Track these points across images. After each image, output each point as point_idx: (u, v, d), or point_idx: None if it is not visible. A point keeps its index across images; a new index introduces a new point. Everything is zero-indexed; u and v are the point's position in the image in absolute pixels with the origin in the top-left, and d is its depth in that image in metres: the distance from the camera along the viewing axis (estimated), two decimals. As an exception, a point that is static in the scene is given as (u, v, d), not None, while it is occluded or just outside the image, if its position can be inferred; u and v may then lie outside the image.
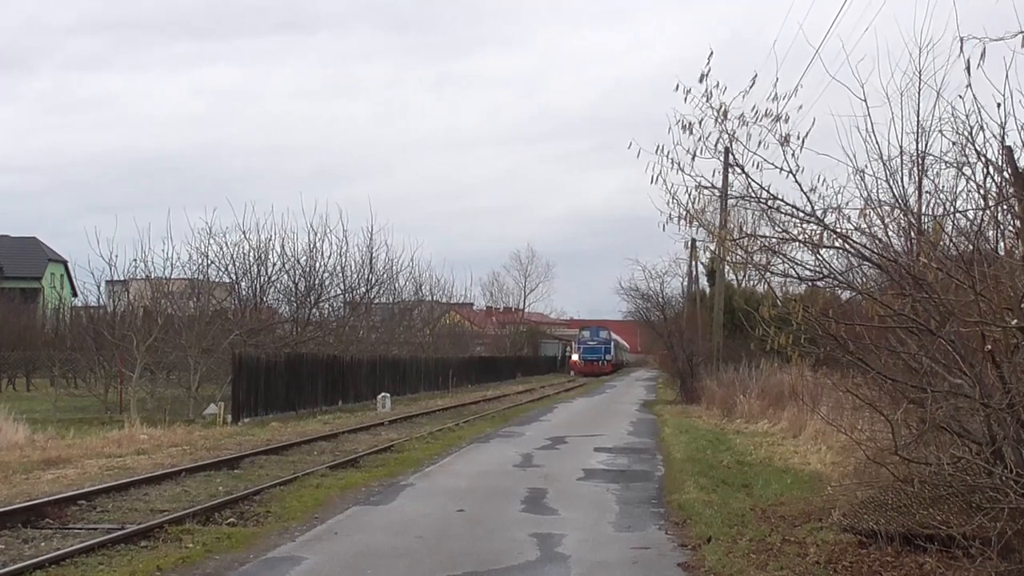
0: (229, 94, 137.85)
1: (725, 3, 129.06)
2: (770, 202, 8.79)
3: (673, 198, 8.70)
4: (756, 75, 8.34)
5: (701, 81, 8.14)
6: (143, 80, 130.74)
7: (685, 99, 8.28)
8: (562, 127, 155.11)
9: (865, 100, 8.35)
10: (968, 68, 6.44)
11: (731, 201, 11.49)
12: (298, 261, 38.19)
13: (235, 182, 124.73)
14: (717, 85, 8.22)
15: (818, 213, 8.55)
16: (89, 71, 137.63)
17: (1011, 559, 7.22)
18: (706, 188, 8.84)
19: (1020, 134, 7.58)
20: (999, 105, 7.24)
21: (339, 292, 41.30)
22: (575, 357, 79.68)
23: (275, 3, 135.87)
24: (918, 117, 9.05)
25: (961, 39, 6.38)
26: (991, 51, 6.48)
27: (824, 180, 8.59)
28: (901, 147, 9.04)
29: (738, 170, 8.74)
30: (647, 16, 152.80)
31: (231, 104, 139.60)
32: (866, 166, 9.08)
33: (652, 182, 8.45)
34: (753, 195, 8.85)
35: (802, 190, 8.47)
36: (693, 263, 46.10)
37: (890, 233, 9.04)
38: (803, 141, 8.27)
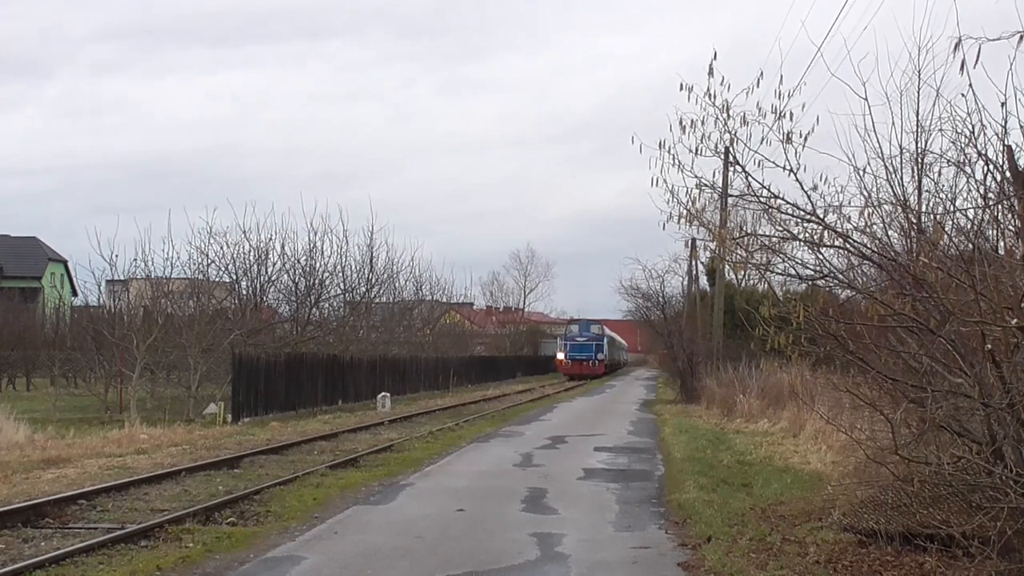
0: (241, 99, 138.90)
1: (731, 12, 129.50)
2: (771, 201, 8.80)
3: (673, 197, 8.73)
4: (761, 72, 8.36)
5: (709, 75, 8.15)
6: (158, 86, 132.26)
7: (688, 97, 8.30)
8: (567, 131, 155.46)
9: (867, 99, 8.36)
10: (963, 67, 6.43)
11: (731, 200, 11.49)
12: (298, 261, 38.21)
13: (241, 184, 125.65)
14: (722, 82, 8.24)
15: (819, 212, 8.56)
16: (105, 77, 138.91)
17: (1011, 559, 7.23)
18: (706, 187, 8.85)
19: (1021, 133, 7.60)
20: (1002, 104, 7.25)
21: (339, 292, 41.32)
22: (560, 356, 67.42)
23: (287, 12, 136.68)
24: (918, 116, 9.07)
25: (959, 39, 6.37)
26: (992, 50, 6.48)
27: (825, 179, 8.61)
28: (901, 146, 9.05)
29: (738, 169, 8.75)
30: (655, 24, 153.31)
31: (243, 109, 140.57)
32: (866, 166, 9.10)
33: (653, 184, 8.48)
34: (753, 194, 8.86)
35: (803, 189, 8.49)
36: (693, 262, 46.09)
37: (890, 232, 9.06)
38: (805, 139, 8.28)
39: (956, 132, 8.16)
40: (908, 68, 8.76)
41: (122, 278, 33.75)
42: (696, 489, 13.33)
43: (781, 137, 8.33)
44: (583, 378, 62.45)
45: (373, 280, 43.83)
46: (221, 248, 35.92)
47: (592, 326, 67.23)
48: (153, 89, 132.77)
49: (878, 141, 8.93)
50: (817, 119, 8.36)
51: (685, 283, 50.71)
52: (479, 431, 23.86)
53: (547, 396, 43.41)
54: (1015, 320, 6.83)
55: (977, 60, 6.30)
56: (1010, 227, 8.13)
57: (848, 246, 8.69)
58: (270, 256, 37.12)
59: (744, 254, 9.37)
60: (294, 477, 14.67)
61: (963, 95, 7.51)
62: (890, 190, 9.18)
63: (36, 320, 47.57)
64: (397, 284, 47.86)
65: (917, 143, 9.19)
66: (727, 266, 29.24)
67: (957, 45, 6.35)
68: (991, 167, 7.94)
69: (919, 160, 9.23)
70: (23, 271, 62.27)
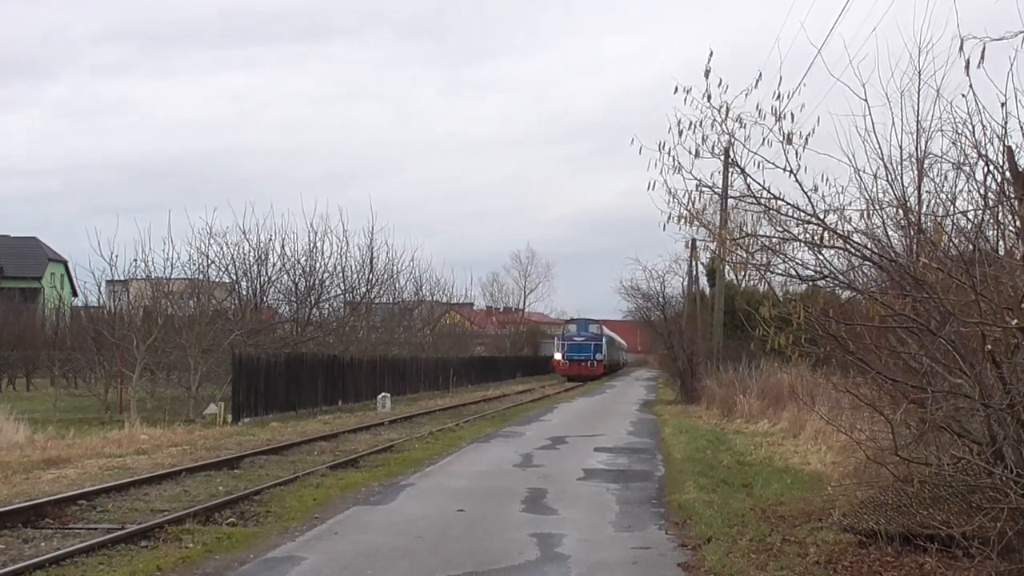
0: (241, 100, 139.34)
1: (731, 12, 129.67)
2: (771, 202, 8.79)
3: (673, 198, 8.73)
4: (760, 74, 8.36)
5: (706, 77, 8.15)
6: (158, 86, 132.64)
7: (686, 100, 8.30)
8: (568, 131, 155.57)
9: (867, 100, 8.38)
10: (968, 66, 6.45)
11: (731, 201, 11.49)
12: (298, 261, 38.18)
13: (241, 184, 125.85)
14: (720, 83, 8.24)
15: (819, 213, 8.56)
16: (106, 78, 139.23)
17: (1011, 559, 7.22)
18: (706, 188, 8.85)
19: (1021, 133, 7.60)
20: (1003, 105, 7.26)
21: (339, 292, 41.31)
22: (558, 356, 65.40)
23: (291, 14, 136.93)
24: (918, 117, 9.10)
25: (961, 39, 6.39)
26: (992, 51, 6.49)
27: (825, 180, 8.61)
28: (901, 147, 9.07)
29: (738, 170, 8.75)
30: (655, 24, 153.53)
31: (243, 109, 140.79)
32: (866, 167, 9.11)
33: (650, 188, 8.47)
34: (753, 195, 8.86)
35: (803, 190, 8.49)
36: (693, 263, 46.09)
37: (890, 233, 9.06)
38: (806, 140, 8.28)
39: (956, 133, 8.18)
40: (908, 69, 8.80)
41: (122, 278, 33.75)
42: (696, 490, 13.32)
43: (781, 138, 8.33)
44: (581, 379, 60.81)
45: (373, 280, 43.86)
46: (221, 248, 35.94)
47: (591, 325, 65.38)
48: (154, 90, 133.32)
49: (878, 142, 8.96)
50: (818, 120, 8.38)
51: (685, 283, 50.78)
52: (479, 431, 23.86)
53: (547, 396, 43.41)
54: (1015, 321, 6.83)
55: (982, 60, 6.32)
56: (1010, 228, 8.14)
57: (849, 247, 8.69)
58: (270, 256, 37.15)
59: (744, 255, 9.37)
60: (294, 477, 14.67)
61: (963, 96, 7.53)
62: (890, 191, 9.20)
63: (36, 320, 47.57)
64: (397, 284, 47.93)
65: (917, 144, 9.22)
66: (727, 266, 29.25)
67: (962, 45, 6.37)
68: (991, 168, 7.95)
69: (919, 161, 9.24)
70: (23, 271, 62.27)
